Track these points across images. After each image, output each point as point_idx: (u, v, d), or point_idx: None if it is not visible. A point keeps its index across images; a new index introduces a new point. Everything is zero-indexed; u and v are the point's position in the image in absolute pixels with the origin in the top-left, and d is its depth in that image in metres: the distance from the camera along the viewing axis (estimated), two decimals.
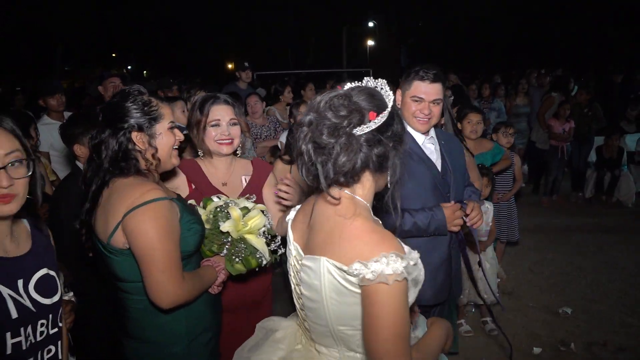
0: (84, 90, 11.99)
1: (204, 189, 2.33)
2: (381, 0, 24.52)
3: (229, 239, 2.05)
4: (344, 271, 1.32)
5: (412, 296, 1.40)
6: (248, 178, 2.50)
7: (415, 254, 1.34)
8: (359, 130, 1.30)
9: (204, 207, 2.14)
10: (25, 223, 1.59)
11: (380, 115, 1.32)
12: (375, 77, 1.44)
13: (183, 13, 21.51)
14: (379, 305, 1.26)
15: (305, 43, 25.77)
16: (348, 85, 1.41)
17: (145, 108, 1.81)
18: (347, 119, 1.30)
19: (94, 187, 1.80)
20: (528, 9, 20.10)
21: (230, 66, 27.38)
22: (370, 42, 28.88)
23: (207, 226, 2.05)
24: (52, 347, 1.56)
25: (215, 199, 2.17)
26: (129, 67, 28.08)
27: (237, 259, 2.06)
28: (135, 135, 1.79)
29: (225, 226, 2.02)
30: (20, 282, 1.46)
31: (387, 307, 1.26)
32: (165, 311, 1.79)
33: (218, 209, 2.08)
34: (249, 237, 2.07)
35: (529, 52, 20.21)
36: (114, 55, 26.83)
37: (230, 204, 2.10)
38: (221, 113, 2.36)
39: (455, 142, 2.77)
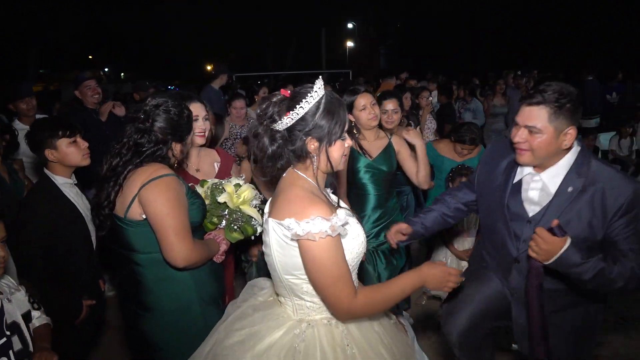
0: (59, 93, 11.78)
1: (182, 175, 2.57)
2: (360, 1, 24.61)
3: (226, 211, 2.39)
4: (281, 225, 1.64)
5: (347, 245, 1.70)
6: (219, 165, 2.91)
7: (342, 214, 1.64)
8: (275, 126, 1.68)
9: (202, 187, 2.50)
10: None
11: (290, 115, 1.65)
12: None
13: (161, 15, 21.30)
14: (314, 259, 1.60)
15: (285, 44, 25.71)
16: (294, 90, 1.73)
17: (184, 124, 2.19)
18: (270, 116, 1.69)
19: (124, 174, 2.06)
20: (507, 11, 20.41)
21: (209, 67, 27.23)
22: (349, 44, 29.01)
23: (206, 202, 2.37)
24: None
25: (209, 180, 2.55)
26: (106, 69, 27.72)
27: (235, 227, 2.38)
28: (175, 146, 2.18)
29: (222, 197, 2.37)
30: None
31: (319, 259, 1.59)
32: (177, 279, 2.09)
33: (214, 186, 2.46)
34: (243, 207, 2.40)
35: (507, 53, 20.52)
36: (90, 57, 26.44)
37: (223, 182, 2.47)
38: (198, 110, 2.64)
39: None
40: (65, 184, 2.68)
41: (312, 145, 1.70)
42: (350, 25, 29.04)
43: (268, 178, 1.81)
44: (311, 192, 1.69)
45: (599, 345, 3.63)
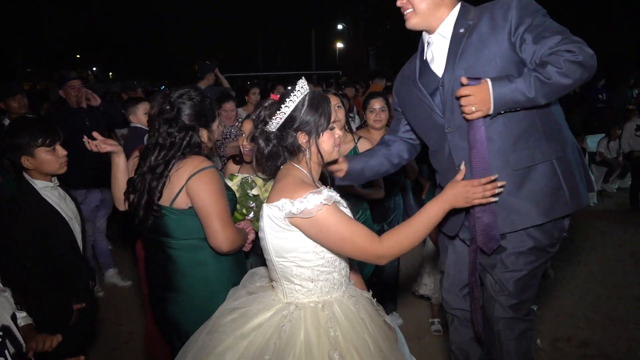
0: (46, 92, 11.67)
1: None
2: (350, 3, 24.66)
3: (255, 203, 2.59)
4: (275, 206, 1.76)
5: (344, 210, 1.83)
6: None
7: (333, 192, 1.78)
8: (268, 128, 1.84)
9: (231, 180, 2.67)
10: None
11: (278, 113, 1.81)
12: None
13: (150, 14, 21.17)
14: (321, 230, 1.73)
15: (275, 45, 25.69)
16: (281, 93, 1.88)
17: (208, 111, 2.28)
18: (262, 120, 1.85)
19: (170, 167, 2.18)
20: None
21: (197, 68, 27.11)
22: (339, 45, 29.04)
23: (237, 194, 2.55)
24: None
25: (239, 175, 2.74)
26: (94, 69, 27.48)
27: None
28: (202, 132, 2.27)
29: (254, 190, 2.60)
30: None
31: (327, 226, 1.72)
32: (212, 265, 2.23)
33: (244, 180, 2.65)
34: None
35: None
36: (78, 56, 26.19)
37: (252, 177, 2.67)
38: None
39: None
40: (46, 188, 2.65)
41: (302, 139, 1.85)
42: (340, 26, 29.08)
43: (269, 176, 1.98)
44: (302, 180, 1.83)
45: (585, 345, 3.69)
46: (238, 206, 2.56)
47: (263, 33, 24.00)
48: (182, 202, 2.17)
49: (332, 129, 1.90)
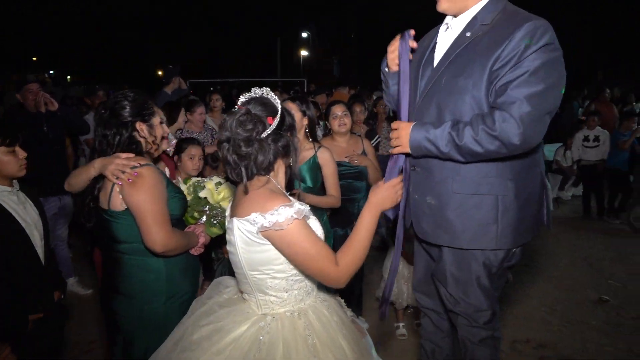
0: (1, 96, 11.26)
1: None
2: (315, 12, 24.84)
3: (207, 207, 2.54)
4: (246, 220, 1.72)
5: (314, 225, 1.82)
6: (167, 171, 3.05)
7: (303, 205, 1.76)
8: (265, 134, 1.74)
9: (185, 184, 2.66)
10: None
11: (275, 118, 1.76)
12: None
13: (111, 16, 20.72)
14: (289, 245, 1.70)
15: (240, 51, 25.56)
16: (242, 99, 1.82)
17: (145, 105, 2.25)
18: (254, 130, 1.73)
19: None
20: None
21: (160, 73, 26.67)
22: (303, 52, 29.16)
23: (188, 197, 2.51)
24: None
25: (192, 178, 2.74)
26: (51, 72, 26.66)
27: (214, 222, 2.51)
28: (139, 125, 2.22)
29: (202, 193, 2.56)
30: None
31: (294, 242, 1.69)
32: (151, 268, 2.20)
33: (196, 183, 2.62)
34: (223, 203, 2.57)
35: None
36: (34, 59, 25.37)
37: (205, 180, 2.65)
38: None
39: None
40: (3, 193, 2.55)
41: (294, 138, 1.87)
42: (304, 35, 29.23)
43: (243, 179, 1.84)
44: (271, 190, 1.79)
45: (542, 347, 3.80)
46: (189, 209, 2.52)
47: (228, 39, 23.83)
48: (116, 204, 2.14)
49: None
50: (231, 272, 2.08)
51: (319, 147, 3.43)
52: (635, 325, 4.15)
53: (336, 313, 1.95)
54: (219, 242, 3.12)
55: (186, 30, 22.18)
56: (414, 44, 2.18)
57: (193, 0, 20.90)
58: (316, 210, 3.38)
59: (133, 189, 2.08)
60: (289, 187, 2.00)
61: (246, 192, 1.78)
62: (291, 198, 1.85)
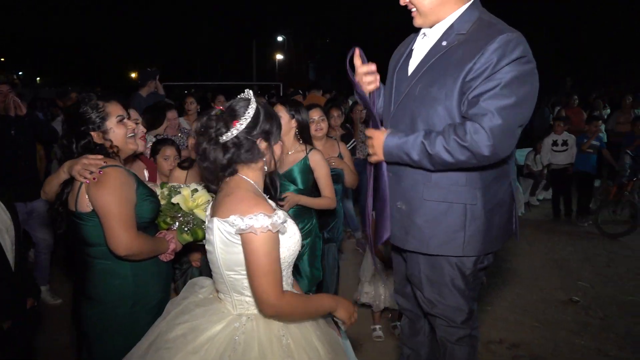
0: None
1: None
2: (290, 16, 24.86)
3: (180, 213, 2.49)
4: (226, 222, 1.75)
5: (284, 242, 1.83)
6: (147, 173, 3.03)
7: (282, 214, 1.79)
8: (225, 137, 1.78)
9: (161, 188, 2.60)
10: None
11: (239, 121, 1.79)
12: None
13: (82, 17, 20.30)
14: (251, 251, 1.71)
15: (215, 55, 25.36)
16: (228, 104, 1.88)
17: (95, 111, 2.22)
18: (216, 131, 1.80)
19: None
20: None
21: (133, 75, 26.28)
22: (278, 56, 29.14)
23: (162, 202, 2.48)
24: None
25: (169, 183, 2.68)
26: (20, 73, 26.01)
27: (186, 229, 2.49)
28: (93, 135, 2.21)
29: (175, 198, 2.49)
30: None
31: (257, 250, 1.71)
32: (118, 273, 2.17)
33: (172, 188, 2.56)
34: (196, 211, 2.52)
35: None
36: (2, 59, 24.72)
37: (182, 186, 2.60)
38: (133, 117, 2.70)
39: None
40: None
41: (262, 145, 1.86)
42: (280, 38, 29.22)
43: (217, 186, 1.92)
44: (254, 193, 1.83)
45: (516, 347, 3.88)
46: (161, 214, 2.50)
47: (203, 42, 23.61)
48: (83, 205, 2.13)
49: (280, 139, 1.96)
50: (207, 275, 2.09)
51: (310, 149, 3.43)
52: (603, 325, 4.27)
53: None
54: (191, 249, 3.10)
55: (161, 32, 21.87)
56: (357, 61, 2.24)
57: (168, 1, 20.64)
58: (306, 214, 3.41)
59: (98, 189, 2.07)
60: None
61: (218, 191, 1.87)
62: (275, 207, 1.88)
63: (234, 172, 1.86)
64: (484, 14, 2.08)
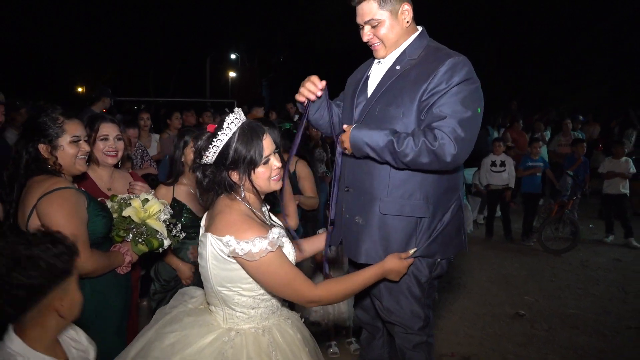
0: None
1: (92, 192, 2.61)
2: (243, 34, 24.85)
3: (133, 225, 2.49)
4: (220, 240, 1.74)
5: (286, 249, 1.88)
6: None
7: (276, 229, 1.81)
8: (205, 161, 1.79)
9: (112, 201, 2.56)
10: None
11: (210, 147, 1.76)
12: (243, 109, 1.84)
13: (25, 25, 19.46)
14: (264, 274, 1.75)
15: (168, 70, 24.91)
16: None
17: (53, 124, 2.22)
18: (197, 153, 1.81)
19: (15, 189, 2.19)
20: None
21: (80, 89, 25.47)
22: (232, 74, 29.02)
23: (114, 215, 2.47)
24: None
25: (119, 195, 2.61)
26: None
27: (140, 240, 2.49)
28: (41, 147, 2.21)
29: (126, 211, 2.46)
30: None
31: (269, 272, 1.74)
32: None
33: (122, 200, 2.53)
34: (149, 221, 2.52)
35: None
36: None
37: (132, 197, 2.56)
38: (109, 129, 2.77)
39: None
40: None
41: (234, 176, 1.81)
42: (233, 56, 29.15)
43: (207, 204, 1.92)
44: (246, 215, 1.81)
45: (466, 359, 3.98)
46: (114, 228, 2.49)
47: (156, 58, 23.14)
48: (34, 225, 2.12)
49: (266, 162, 1.83)
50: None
51: (297, 161, 3.85)
52: (547, 337, 4.45)
53: (300, 331, 1.99)
54: (155, 259, 3.12)
55: (111, 46, 21.35)
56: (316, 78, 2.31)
57: (118, 14, 20.21)
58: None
59: (50, 211, 2.07)
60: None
61: (211, 208, 1.90)
62: (269, 221, 1.95)
63: (220, 194, 1.86)
64: (431, 42, 2.32)
